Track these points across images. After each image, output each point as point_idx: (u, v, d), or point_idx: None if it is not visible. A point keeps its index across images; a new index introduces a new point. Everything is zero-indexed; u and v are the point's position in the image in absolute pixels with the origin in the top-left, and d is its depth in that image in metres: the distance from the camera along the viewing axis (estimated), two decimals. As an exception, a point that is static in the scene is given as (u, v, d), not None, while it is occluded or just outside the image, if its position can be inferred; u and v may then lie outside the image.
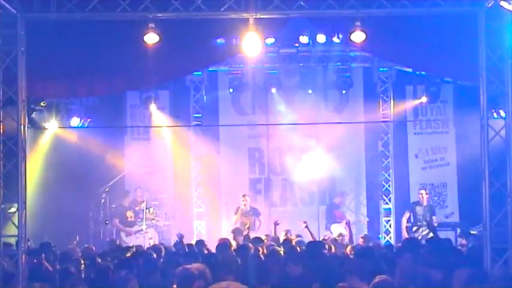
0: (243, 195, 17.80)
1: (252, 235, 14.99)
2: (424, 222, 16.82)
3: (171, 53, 13.24)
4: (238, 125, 19.11)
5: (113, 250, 12.83)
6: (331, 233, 17.16)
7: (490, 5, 11.02)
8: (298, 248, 12.08)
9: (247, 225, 15.75)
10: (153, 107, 18.84)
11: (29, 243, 12.36)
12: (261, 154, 19.68)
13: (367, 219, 18.72)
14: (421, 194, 17.37)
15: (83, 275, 9.89)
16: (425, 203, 17.28)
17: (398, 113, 19.18)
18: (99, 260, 11.03)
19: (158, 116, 19.08)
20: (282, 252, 11.07)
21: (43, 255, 10.88)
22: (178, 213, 19.00)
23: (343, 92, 18.98)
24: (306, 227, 14.90)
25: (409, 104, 18.97)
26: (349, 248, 12.61)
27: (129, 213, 18.05)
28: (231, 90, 19.02)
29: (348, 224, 15.10)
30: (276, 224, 15.22)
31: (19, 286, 10.04)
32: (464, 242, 15.76)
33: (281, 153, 19.59)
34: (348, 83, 18.90)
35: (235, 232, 15.54)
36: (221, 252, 11.37)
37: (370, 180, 19.42)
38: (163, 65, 13.49)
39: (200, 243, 13.53)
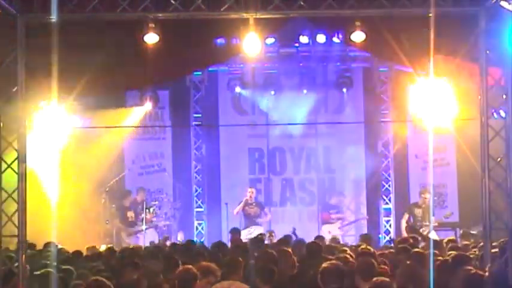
0: (250, 187, 18.28)
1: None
2: (424, 223, 16.83)
3: (171, 53, 13.26)
4: (238, 125, 19.12)
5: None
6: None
7: (490, 5, 11.01)
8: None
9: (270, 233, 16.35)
10: (148, 105, 18.85)
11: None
12: (261, 154, 19.69)
13: (367, 216, 18.68)
14: (426, 198, 17.19)
15: None
16: (424, 204, 17.22)
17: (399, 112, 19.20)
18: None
19: (155, 116, 19.13)
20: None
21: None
22: (178, 213, 19.01)
23: (343, 91, 18.99)
24: (294, 232, 15.05)
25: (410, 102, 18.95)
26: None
27: (130, 214, 18.04)
28: (238, 89, 19.03)
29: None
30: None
31: (19, 286, 10.03)
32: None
33: (281, 153, 19.61)
34: (348, 83, 18.93)
35: (233, 232, 15.64)
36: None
37: (370, 180, 19.42)
38: (163, 65, 13.50)
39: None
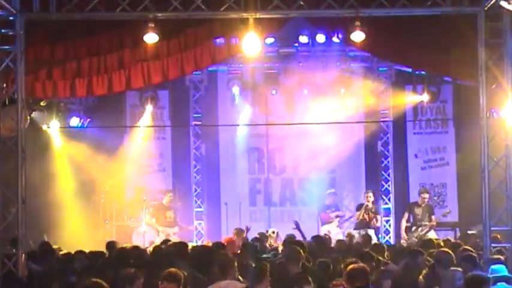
0: (367, 192, 17.57)
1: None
2: (423, 222, 16.82)
3: (171, 53, 13.25)
4: (238, 125, 19.12)
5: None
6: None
7: (489, 5, 11.03)
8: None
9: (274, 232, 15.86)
10: (147, 105, 18.83)
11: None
12: (260, 154, 19.68)
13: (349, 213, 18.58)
14: (424, 197, 17.14)
15: None
16: (424, 204, 17.18)
17: (398, 112, 19.20)
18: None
19: (154, 116, 19.11)
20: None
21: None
22: (178, 213, 18.99)
23: (343, 91, 18.98)
24: (297, 228, 14.97)
25: (410, 102, 18.94)
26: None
27: (169, 213, 17.87)
28: (237, 89, 19.01)
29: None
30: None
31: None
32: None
33: (280, 153, 19.60)
34: (348, 83, 18.91)
35: (237, 232, 15.63)
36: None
37: (369, 180, 19.40)
38: (163, 65, 13.48)
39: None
